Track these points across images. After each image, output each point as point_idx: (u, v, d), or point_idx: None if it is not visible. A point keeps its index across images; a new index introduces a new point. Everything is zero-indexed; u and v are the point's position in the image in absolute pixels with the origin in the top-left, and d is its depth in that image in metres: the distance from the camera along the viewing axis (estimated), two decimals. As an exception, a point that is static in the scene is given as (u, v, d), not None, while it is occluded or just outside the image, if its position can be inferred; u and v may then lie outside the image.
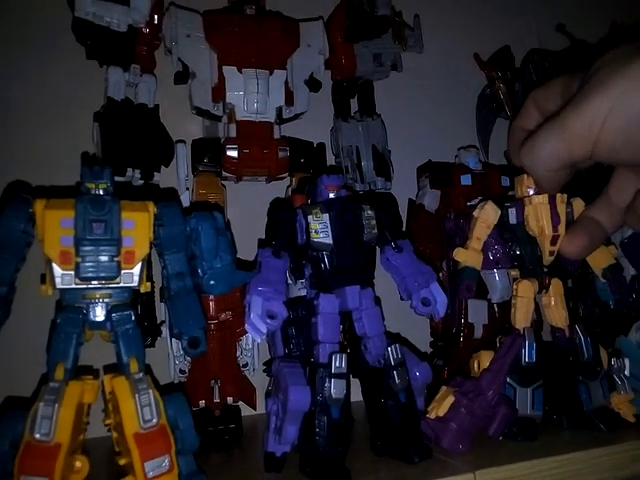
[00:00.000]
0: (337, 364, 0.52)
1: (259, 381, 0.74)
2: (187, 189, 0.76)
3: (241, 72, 0.76)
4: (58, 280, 0.46)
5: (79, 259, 0.46)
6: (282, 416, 0.53)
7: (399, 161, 0.88)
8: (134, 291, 0.50)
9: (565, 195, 0.65)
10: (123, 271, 0.47)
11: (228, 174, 0.78)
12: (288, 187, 0.80)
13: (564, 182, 0.57)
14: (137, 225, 0.48)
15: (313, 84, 0.83)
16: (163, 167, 0.75)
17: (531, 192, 0.66)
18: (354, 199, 0.59)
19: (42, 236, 0.47)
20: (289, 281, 0.61)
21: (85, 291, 0.47)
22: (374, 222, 0.58)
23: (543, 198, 0.64)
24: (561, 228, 0.63)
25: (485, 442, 0.58)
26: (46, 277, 0.48)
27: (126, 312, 0.48)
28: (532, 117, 0.60)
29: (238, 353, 0.73)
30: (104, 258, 0.46)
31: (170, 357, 0.70)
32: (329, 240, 0.55)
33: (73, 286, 0.46)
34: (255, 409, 0.73)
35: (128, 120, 0.72)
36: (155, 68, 0.79)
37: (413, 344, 0.80)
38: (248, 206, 0.83)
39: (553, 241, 0.63)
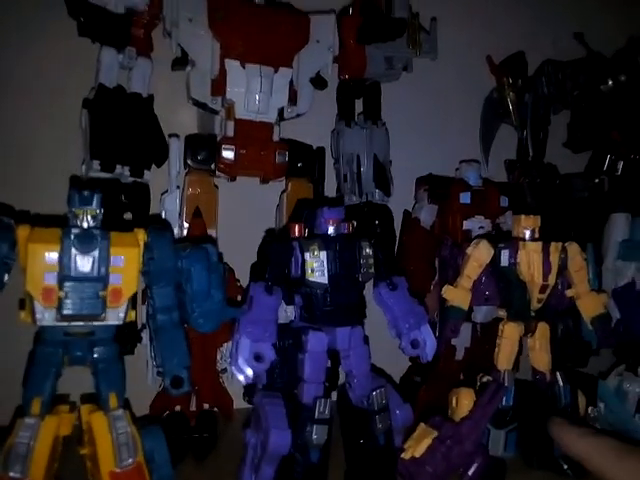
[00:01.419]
0: (321, 409, 0.52)
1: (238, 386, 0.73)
2: (177, 187, 0.72)
3: (244, 67, 0.71)
4: (39, 316, 0.44)
5: (62, 294, 0.43)
6: (260, 455, 0.52)
7: (398, 169, 0.85)
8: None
9: (560, 244, 0.64)
10: (108, 309, 0.45)
11: (222, 174, 0.74)
12: (282, 192, 0.77)
13: None
14: (126, 261, 0.45)
15: (319, 82, 0.78)
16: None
17: (527, 234, 0.64)
18: (353, 236, 0.56)
19: (24, 266, 0.44)
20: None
21: (67, 328, 0.45)
22: (372, 261, 0.56)
23: (537, 246, 0.63)
24: (551, 278, 0.63)
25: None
26: (26, 304, 0.45)
27: (109, 347, 0.47)
28: None
29: (218, 358, 0.73)
30: (89, 295, 0.44)
31: (149, 361, 0.69)
32: (324, 280, 0.54)
33: (55, 324, 0.44)
34: (231, 419, 0.73)
35: (120, 111, 0.68)
36: (152, 52, 0.73)
37: (393, 358, 0.80)
38: (240, 203, 0.80)
39: (542, 290, 0.63)
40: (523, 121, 0.98)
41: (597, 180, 0.99)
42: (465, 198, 0.82)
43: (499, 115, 1.00)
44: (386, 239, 0.79)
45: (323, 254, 0.54)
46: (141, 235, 0.47)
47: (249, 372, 0.50)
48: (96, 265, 0.44)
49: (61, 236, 0.43)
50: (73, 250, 0.43)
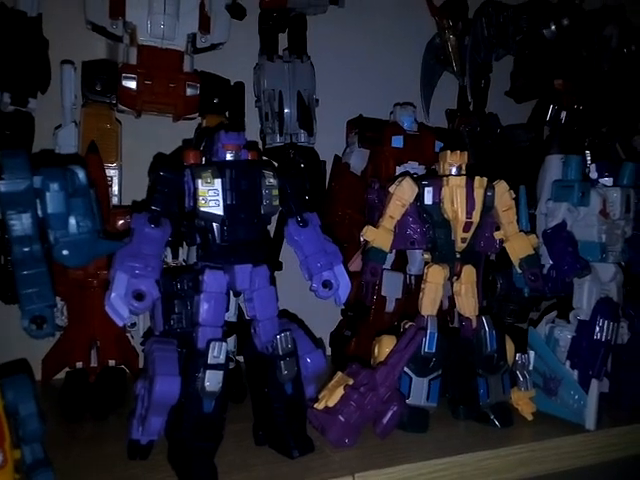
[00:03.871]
0: (215, 353, 0.46)
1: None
2: (74, 122, 0.65)
3: (146, -15, 0.64)
4: None
5: None
6: (147, 406, 0.46)
7: (329, 111, 0.80)
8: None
9: (485, 179, 0.59)
10: (-55, 236, 0.38)
11: (125, 107, 0.67)
12: (197, 130, 0.71)
13: None
14: (-37, 179, 0.38)
15: (236, 10, 0.72)
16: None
17: (453, 171, 0.60)
18: (255, 163, 0.50)
19: None
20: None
21: None
22: (276, 192, 0.50)
23: (460, 180, 0.58)
24: (475, 215, 0.58)
25: (372, 436, 0.55)
26: None
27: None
28: None
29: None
30: None
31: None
32: (219, 211, 0.47)
33: None
34: (137, 374, 0.66)
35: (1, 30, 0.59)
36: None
37: (321, 313, 0.75)
38: (151, 142, 0.73)
39: (466, 227, 0.59)
40: (464, 67, 0.94)
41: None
42: (397, 142, 0.77)
43: (440, 61, 0.95)
44: (313, 183, 0.73)
45: (218, 182, 0.48)
46: (-12, 154, 0.40)
47: (124, 312, 0.43)
48: None
49: None
50: None
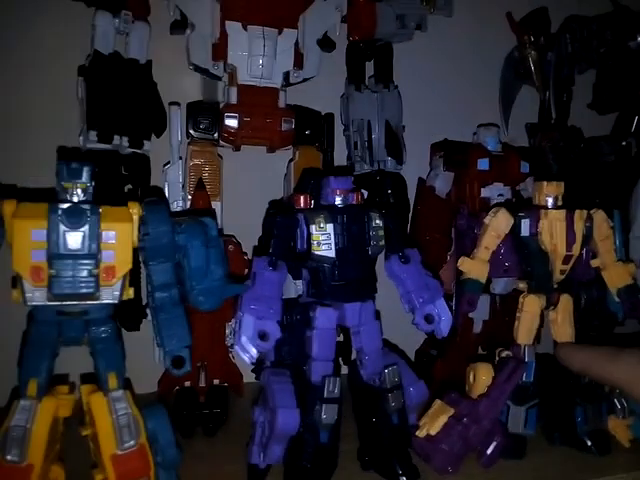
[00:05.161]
0: (330, 388, 0.49)
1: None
2: (180, 159, 0.69)
3: (246, 29, 0.68)
4: (29, 296, 0.41)
5: (52, 272, 0.41)
6: (268, 434, 0.50)
7: (412, 134, 0.81)
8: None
9: (585, 211, 0.60)
10: (102, 287, 0.43)
11: (226, 143, 0.71)
12: (290, 161, 0.74)
13: None
14: (119, 237, 0.42)
15: (326, 44, 0.74)
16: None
17: (549, 202, 0.60)
18: (363, 207, 0.53)
19: (10, 242, 0.41)
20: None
21: (59, 307, 0.43)
22: (382, 233, 0.53)
23: (560, 214, 0.59)
24: (576, 248, 0.59)
25: (474, 463, 0.57)
26: (16, 283, 0.43)
27: (105, 327, 0.44)
28: None
29: (227, 332, 0.71)
30: (81, 274, 0.41)
31: (155, 338, 0.67)
32: (332, 254, 0.51)
33: (46, 303, 0.42)
34: (241, 395, 0.71)
35: (116, 78, 0.64)
36: (149, 15, 0.70)
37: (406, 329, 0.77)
38: (247, 173, 0.77)
39: (565, 260, 0.59)
40: (545, 81, 0.93)
41: (624, 143, 0.94)
42: (483, 164, 0.78)
43: (520, 75, 0.94)
44: (399, 209, 0.76)
45: (330, 226, 0.51)
46: (135, 209, 0.44)
47: (253, 351, 0.47)
48: (86, 242, 0.41)
49: (48, 211, 0.41)
50: (61, 226, 0.41)
